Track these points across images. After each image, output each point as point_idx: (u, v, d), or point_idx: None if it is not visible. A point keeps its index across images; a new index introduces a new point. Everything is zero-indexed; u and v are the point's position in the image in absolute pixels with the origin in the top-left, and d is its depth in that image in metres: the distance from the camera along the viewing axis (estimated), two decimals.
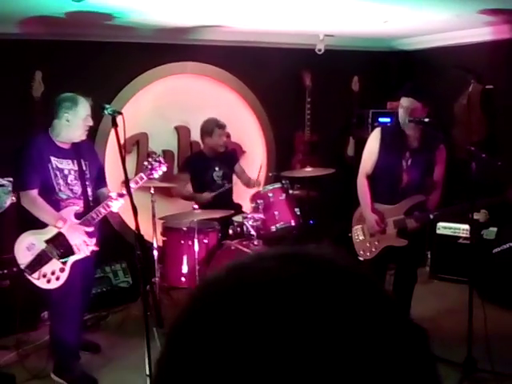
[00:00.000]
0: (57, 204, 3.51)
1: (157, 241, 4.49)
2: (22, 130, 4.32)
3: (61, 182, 3.53)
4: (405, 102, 3.78)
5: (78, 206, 3.58)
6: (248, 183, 5.17)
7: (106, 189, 3.84)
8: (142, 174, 3.66)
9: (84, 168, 3.65)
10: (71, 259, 3.53)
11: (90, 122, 3.61)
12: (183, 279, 4.46)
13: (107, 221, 4.76)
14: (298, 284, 0.50)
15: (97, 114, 3.81)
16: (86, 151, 3.73)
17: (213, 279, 0.55)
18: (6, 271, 4.30)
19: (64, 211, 3.52)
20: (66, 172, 3.56)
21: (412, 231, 3.88)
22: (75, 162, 3.62)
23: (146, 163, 3.74)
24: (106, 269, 5.00)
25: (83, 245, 3.54)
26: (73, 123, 3.51)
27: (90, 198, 3.68)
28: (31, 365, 3.77)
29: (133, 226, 4.84)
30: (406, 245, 3.90)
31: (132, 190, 3.42)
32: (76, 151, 3.63)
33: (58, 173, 3.52)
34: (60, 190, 3.52)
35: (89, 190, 3.67)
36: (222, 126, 4.97)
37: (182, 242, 4.45)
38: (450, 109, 5.49)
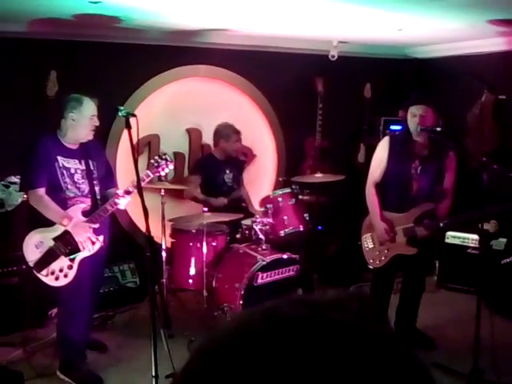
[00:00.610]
0: (64, 202, 3.55)
1: (165, 242, 4.50)
2: (36, 129, 4.37)
3: (67, 180, 3.57)
4: (415, 109, 3.78)
5: (85, 204, 3.61)
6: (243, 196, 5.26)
7: (115, 189, 3.86)
8: (148, 172, 3.67)
9: (91, 167, 3.69)
10: (79, 256, 3.56)
11: (96, 122, 3.64)
12: (191, 281, 4.47)
13: (116, 221, 4.79)
14: (309, 328, 0.52)
15: (109, 115, 3.85)
16: (94, 151, 3.77)
17: (220, 333, 0.57)
18: (14, 268, 4.33)
19: (71, 209, 3.55)
20: (72, 171, 3.60)
21: (422, 239, 3.87)
22: (82, 161, 3.66)
23: (152, 161, 3.76)
24: (114, 268, 5.02)
25: (88, 242, 3.57)
26: (78, 122, 3.55)
27: (98, 197, 3.70)
28: (37, 362, 3.79)
29: (142, 226, 4.91)
30: (415, 253, 3.89)
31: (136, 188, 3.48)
32: (83, 151, 3.67)
33: (64, 172, 3.57)
34: (67, 188, 3.56)
35: (96, 189, 3.70)
36: (238, 132, 5.02)
37: (191, 244, 4.47)
38: (462, 118, 5.48)
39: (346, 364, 0.50)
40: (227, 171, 5.04)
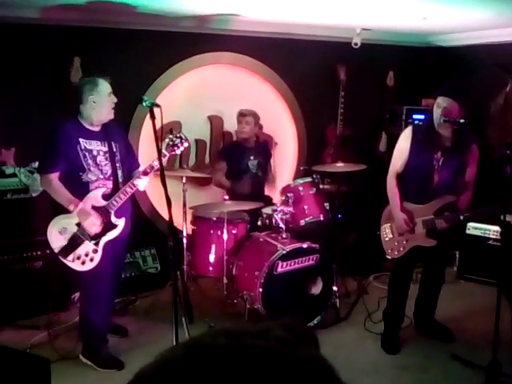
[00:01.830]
0: (86, 186, 3.57)
1: (186, 229, 4.54)
2: (59, 116, 4.42)
3: (90, 162, 3.58)
4: (442, 101, 3.73)
5: (106, 187, 3.62)
6: (268, 180, 5.28)
7: (138, 170, 3.85)
8: (164, 151, 3.63)
9: (114, 149, 3.70)
10: (103, 240, 3.60)
11: (114, 99, 3.64)
12: (211, 268, 4.52)
13: (138, 207, 4.85)
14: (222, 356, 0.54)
15: (132, 101, 3.87)
16: (115, 132, 3.78)
17: (163, 358, 0.59)
18: (39, 253, 4.41)
19: (91, 194, 3.56)
20: (94, 153, 3.61)
21: (441, 232, 3.86)
22: (105, 143, 3.67)
23: (167, 140, 3.72)
24: (136, 254, 5.09)
25: (92, 226, 3.55)
26: (99, 103, 3.57)
27: (120, 180, 3.70)
28: (61, 345, 3.87)
29: (163, 213, 4.98)
30: (434, 245, 3.88)
31: (154, 170, 3.57)
32: (105, 133, 3.69)
33: (86, 154, 3.58)
34: (90, 170, 3.57)
35: (119, 172, 3.71)
36: (242, 114, 5.06)
37: (212, 231, 4.50)
38: (485, 108, 5.42)
39: None
40: (251, 157, 5.06)
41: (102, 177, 3.62)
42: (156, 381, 0.55)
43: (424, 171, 3.87)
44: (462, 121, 3.65)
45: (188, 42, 5.21)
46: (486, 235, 5.25)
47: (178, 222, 4.36)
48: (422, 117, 5.71)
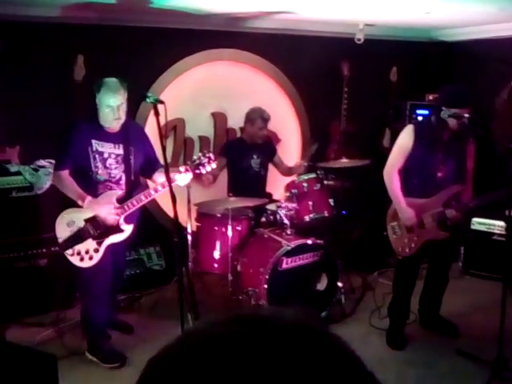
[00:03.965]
0: (95, 186, 3.59)
1: (191, 226, 4.55)
2: (62, 113, 4.43)
3: (99, 164, 3.58)
4: (456, 111, 3.69)
5: (121, 191, 3.62)
6: (288, 172, 5.19)
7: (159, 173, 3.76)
8: (188, 167, 3.60)
9: (130, 154, 3.67)
10: (106, 241, 3.59)
11: (118, 101, 3.51)
12: (216, 265, 4.52)
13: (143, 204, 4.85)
14: (238, 342, 0.54)
15: (135, 98, 3.86)
16: (136, 136, 3.75)
17: (163, 350, 0.59)
18: (44, 250, 4.42)
19: (106, 194, 3.58)
20: (105, 155, 3.60)
21: (453, 222, 3.85)
22: (120, 146, 3.64)
23: (195, 157, 3.67)
24: (140, 251, 5.10)
25: (109, 216, 3.55)
26: (101, 108, 3.53)
27: (132, 184, 3.69)
28: (67, 342, 3.88)
29: (167, 210, 4.98)
30: (447, 237, 3.86)
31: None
32: (124, 136, 3.65)
33: (97, 156, 3.58)
34: (97, 172, 3.58)
35: (131, 177, 3.69)
36: (265, 120, 4.95)
37: (216, 228, 4.50)
38: (490, 103, 5.41)
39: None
40: (254, 156, 5.03)
41: (109, 179, 3.62)
42: (170, 372, 0.55)
43: (428, 166, 3.87)
44: (466, 115, 3.63)
45: (191, 38, 5.20)
46: (491, 230, 5.24)
47: (183, 218, 4.36)
48: (425, 112, 5.70)
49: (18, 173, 4.37)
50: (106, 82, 3.51)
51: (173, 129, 5.30)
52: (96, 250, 3.58)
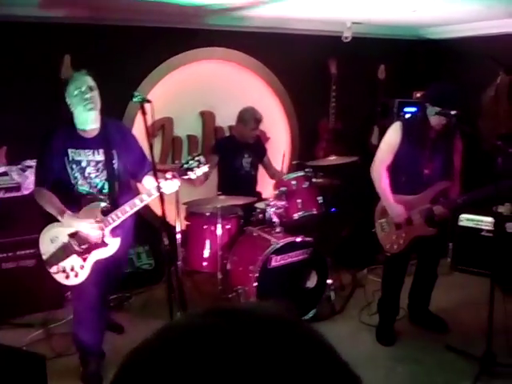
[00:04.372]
0: (77, 200, 3.34)
1: (180, 225, 4.54)
2: (49, 113, 4.41)
3: (78, 175, 3.34)
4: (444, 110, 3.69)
5: (105, 202, 3.36)
6: (274, 175, 5.20)
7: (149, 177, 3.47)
8: (175, 173, 3.29)
9: (112, 158, 3.39)
10: (91, 257, 3.34)
11: (85, 94, 3.26)
12: (205, 263, 4.52)
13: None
14: (214, 333, 0.55)
15: (123, 98, 3.84)
16: (116, 135, 3.45)
17: (142, 342, 0.59)
18: (32, 251, 4.39)
19: (87, 208, 3.31)
20: (83, 164, 3.35)
21: (440, 219, 3.87)
22: (100, 151, 3.37)
23: (183, 161, 3.35)
24: (130, 251, 5.07)
25: (93, 230, 3.26)
26: (72, 105, 3.30)
27: (117, 192, 3.42)
28: (56, 343, 3.87)
29: (156, 209, 4.96)
30: (434, 234, 3.88)
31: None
32: (102, 138, 3.38)
33: (74, 166, 3.33)
34: (77, 183, 3.35)
35: (116, 184, 3.42)
36: (258, 121, 4.93)
37: (205, 227, 4.50)
38: (477, 100, 5.44)
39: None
40: (246, 155, 5.02)
41: (92, 191, 3.38)
42: (146, 363, 0.56)
43: (415, 164, 3.89)
44: (453, 112, 3.65)
45: (179, 37, 5.19)
46: (479, 226, 5.27)
47: (172, 217, 4.35)
48: (413, 109, 5.72)
49: (5, 173, 4.34)
50: (71, 76, 3.37)
51: (161, 128, 5.29)
52: (81, 267, 3.33)
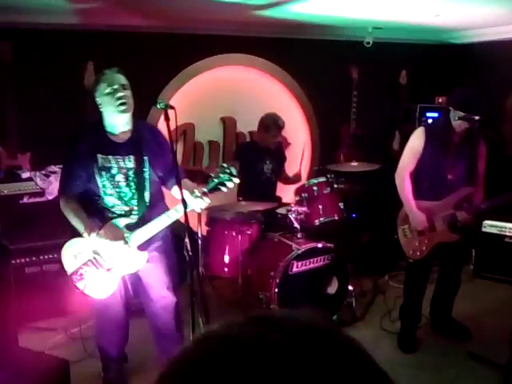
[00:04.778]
0: (102, 212, 3.17)
1: (201, 231, 4.55)
2: (73, 119, 4.46)
3: (107, 183, 3.11)
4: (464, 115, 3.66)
5: (129, 218, 3.17)
6: (286, 179, 5.20)
7: (186, 180, 3.25)
8: (205, 191, 3.06)
9: (144, 166, 3.15)
10: (118, 272, 3.22)
11: (118, 93, 3.02)
12: (226, 269, 4.52)
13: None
14: (260, 345, 0.54)
15: (146, 104, 3.87)
16: (151, 141, 3.20)
17: (181, 353, 0.59)
18: (56, 255, 4.43)
19: (110, 224, 3.12)
20: (113, 171, 3.10)
21: (464, 225, 3.83)
22: (131, 157, 3.12)
23: (212, 175, 3.06)
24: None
25: (118, 247, 3.09)
26: (103, 105, 3.06)
27: (147, 203, 3.20)
28: (79, 347, 3.89)
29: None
30: (458, 240, 3.84)
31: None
32: (135, 144, 3.13)
33: (103, 173, 3.09)
34: (105, 193, 3.12)
35: (146, 195, 3.19)
36: (280, 128, 4.91)
37: (226, 232, 4.51)
38: (501, 105, 5.38)
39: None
40: (267, 162, 5.01)
41: (120, 202, 3.15)
42: (188, 374, 0.55)
43: (439, 169, 3.86)
44: (476, 118, 3.62)
45: (200, 44, 5.23)
46: (503, 233, 5.19)
47: (193, 223, 4.36)
48: (435, 115, 5.69)
49: (30, 179, 4.40)
50: (101, 74, 3.10)
51: (182, 133, 5.33)
52: (108, 282, 3.19)
